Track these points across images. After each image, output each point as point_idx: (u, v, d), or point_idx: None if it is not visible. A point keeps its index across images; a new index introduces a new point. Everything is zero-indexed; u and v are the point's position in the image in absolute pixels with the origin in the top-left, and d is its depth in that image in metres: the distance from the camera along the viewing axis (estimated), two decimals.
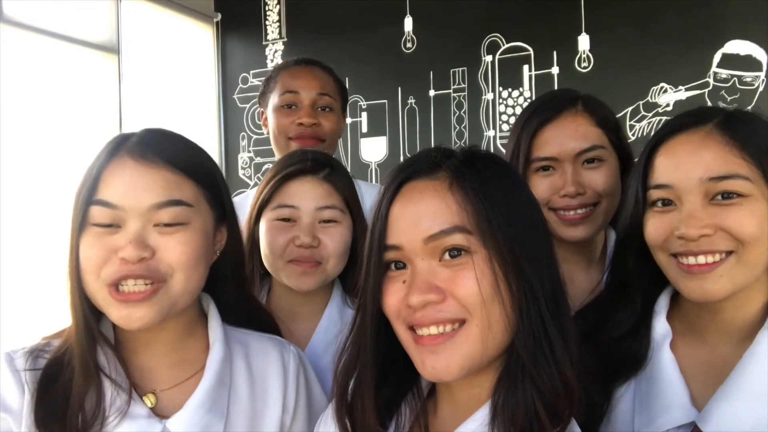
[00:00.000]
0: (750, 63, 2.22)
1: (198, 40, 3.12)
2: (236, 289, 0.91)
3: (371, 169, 2.86)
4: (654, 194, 0.81)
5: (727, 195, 0.76)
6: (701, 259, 0.77)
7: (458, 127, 2.69)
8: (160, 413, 0.78)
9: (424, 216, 0.65)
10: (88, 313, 0.77)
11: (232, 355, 0.85)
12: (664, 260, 0.81)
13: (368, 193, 1.32)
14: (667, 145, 0.82)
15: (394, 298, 0.66)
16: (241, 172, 3.15)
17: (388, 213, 0.67)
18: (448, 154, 0.69)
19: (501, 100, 2.61)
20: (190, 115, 3.05)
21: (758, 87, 2.21)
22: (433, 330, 0.65)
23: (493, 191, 0.66)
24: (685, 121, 0.82)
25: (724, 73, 2.26)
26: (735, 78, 2.24)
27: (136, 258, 0.73)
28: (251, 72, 3.12)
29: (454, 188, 0.65)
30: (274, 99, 1.54)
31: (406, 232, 0.66)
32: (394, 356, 0.70)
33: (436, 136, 2.72)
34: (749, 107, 2.21)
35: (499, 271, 0.64)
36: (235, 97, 3.16)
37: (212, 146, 3.16)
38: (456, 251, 0.64)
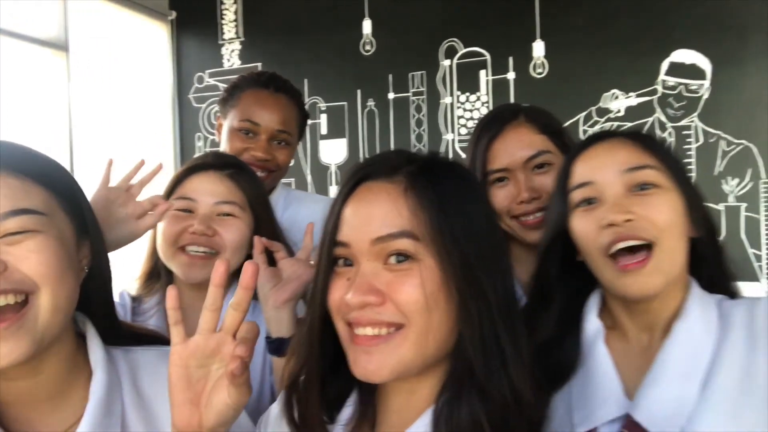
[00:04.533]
0: (695, 72, 2.32)
1: (152, 38, 3.05)
2: (108, 309, 0.83)
3: (331, 172, 2.86)
4: (577, 195, 0.87)
5: (644, 186, 0.84)
6: (630, 243, 0.81)
7: (417, 130, 2.71)
8: None
9: (375, 217, 0.65)
10: None
11: (120, 378, 0.77)
12: (600, 263, 0.85)
13: (305, 204, 1.31)
14: (583, 155, 0.89)
15: (337, 293, 0.66)
16: None
17: (341, 210, 0.68)
18: (410, 159, 0.69)
19: (459, 104, 2.64)
20: (143, 116, 2.98)
21: (702, 95, 2.31)
22: (369, 331, 0.64)
23: (449, 200, 0.65)
24: (595, 136, 0.91)
25: (671, 80, 2.35)
26: (682, 86, 2.33)
27: None
28: (207, 72, 3.06)
29: (409, 194, 0.65)
30: (233, 118, 1.50)
31: (356, 231, 0.66)
32: (343, 352, 0.69)
33: (395, 138, 2.74)
34: (695, 114, 2.32)
35: (446, 280, 0.64)
36: (190, 96, 3.10)
37: (167, 147, 3.10)
38: (402, 256, 0.64)
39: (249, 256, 1.12)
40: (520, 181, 1.14)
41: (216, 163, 1.13)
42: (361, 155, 2.78)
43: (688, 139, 2.34)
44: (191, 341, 0.67)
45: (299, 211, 1.52)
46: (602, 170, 0.85)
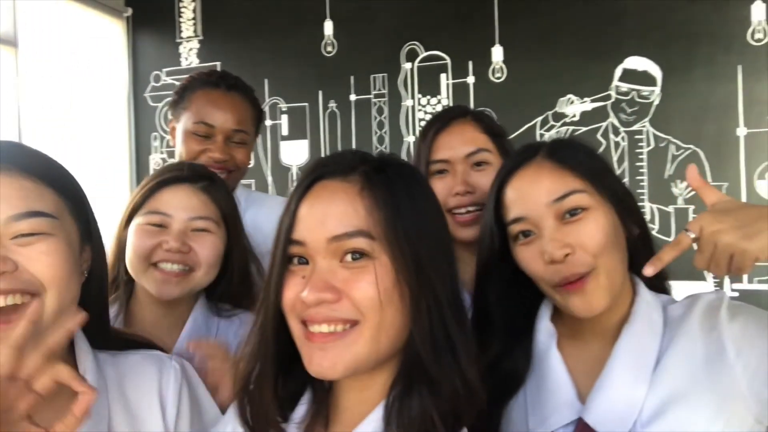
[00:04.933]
0: (647, 78, 2.41)
1: (106, 35, 2.97)
2: (102, 314, 0.83)
3: (292, 173, 2.84)
4: (514, 229, 0.90)
5: (573, 212, 0.86)
6: (575, 278, 0.85)
7: (379, 132, 2.72)
8: None
9: (331, 216, 0.66)
10: None
11: (106, 383, 0.78)
12: (548, 290, 0.89)
13: (266, 205, 1.33)
14: (510, 183, 0.91)
15: (291, 291, 0.67)
16: None
17: (297, 208, 0.68)
18: (363, 158, 0.71)
19: (420, 107, 2.67)
20: (97, 114, 2.90)
21: (654, 101, 2.40)
22: (324, 328, 0.65)
23: (402, 199, 0.67)
24: (517, 158, 0.93)
25: (624, 86, 2.43)
26: (634, 92, 2.42)
27: None
28: (164, 70, 3.00)
29: (365, 193, 0.66)
30: (186, 121, 1.46)
31: (312, 230, 0.66)
32: (296, 350, 0.70)
33: (357, 140, 2.74)
34: (646, 119, 2.40)
35: (400, 277, 0.65)
36: (146, 95, 3.04)
37: (122, 147, 3.02)
38: (357, 254, 0.65)
39: (222, 272, 1.10)
40: (458, 174, 1.20)
41: (189, 175, 1.09)
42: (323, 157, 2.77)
43: (640, 144, 2.42)
44: None
45: (259, 212, 1.50)
46: (531, 203, 0.88)
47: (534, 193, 0.88)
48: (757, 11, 2.28)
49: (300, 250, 0.67)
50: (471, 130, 1.23)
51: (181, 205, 1.07)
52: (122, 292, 1.12)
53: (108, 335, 0.84)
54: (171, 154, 3.00)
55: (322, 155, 2.85)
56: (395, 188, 0.68)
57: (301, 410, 0.74)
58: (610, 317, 0.89)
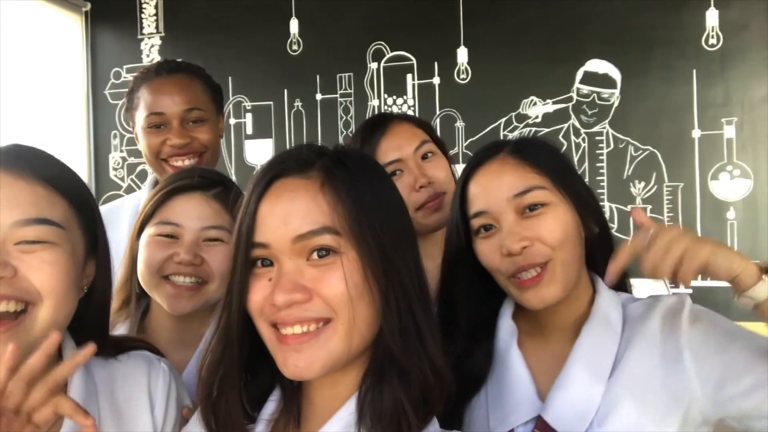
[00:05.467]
0: (607, 81, 2.47)
1: (64, 30, 2.88)
2: (102, 331, 0.81)
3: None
4: (475, 223, 0.92)
5: (533, 207, 0.88)
6: (532, 272, 0.87)
7: (345, 132, 2.72)
8: None
9: (294, 215, 0.64)
10: None
11: (96, 388, 0.77)
12: (504, 282, 0.91)
13: None
14: (474, 178, 0.93)
15: (259, 295, 0.66)
16: (112, 173, 2.95)
17: (256, 209, 0.66)
18: (320, 152, 0.69)
19: (386, 107, 2.67)
20: (54, 111, 2.81)
21: (613, 103, 2.46)
22: (297, 329, 0.64)
23: (364, 192, 0.66)
24: (483, 154, 0.94)
25: (585, 89, 2.48)
26: (594, 94, 2.48)
27: None
28: (125, 67, 2.93)
29: (326, 188, 0.65)
30: (139, 118, 1.42)
31: (275, 231, 0.65)
32: (262, 351, 0.69)
33: (323, 139, 2.72)
34: (606, 121, 2.46)
35: (368, 270, 0.65)
36: (106, 92, 2.96)
37: (80, 145, 2.93)
38: (324, 251, 0.64)
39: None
40: (413, 169, 1.24)
41: (201, 183, 1.04)
42: None
43: (600, 145, 2.48)
44: None
45: None
46: (493, 198, 0.89)
47: (496, 188, 0.89)
48: (711, 18, 2.36)
49: (264, 252, 0.66)
50: (410, 128, 1.29)
51: (193, 214, 1.02)
52: (134, 307, 1.07)
53: (105, 346, 0.81)
54: (131, 153, 2.93)
55: None
56: (356, 181, 0.67)
57: (270, 406, 0.73)
58: (569, 314, 0.91)
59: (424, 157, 1.26)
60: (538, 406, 0.87)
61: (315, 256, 0.65)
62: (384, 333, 0.66)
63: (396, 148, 1.25)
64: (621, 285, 0.97)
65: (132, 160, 2.94)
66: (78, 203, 0.74)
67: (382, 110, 2.68)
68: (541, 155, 0.92)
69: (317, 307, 0.64)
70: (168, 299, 1.01)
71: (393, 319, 0.66)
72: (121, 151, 2.95)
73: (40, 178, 0.70)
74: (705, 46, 2.37)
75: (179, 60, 1.49)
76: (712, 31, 2.36)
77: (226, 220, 1.04)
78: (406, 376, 0.66)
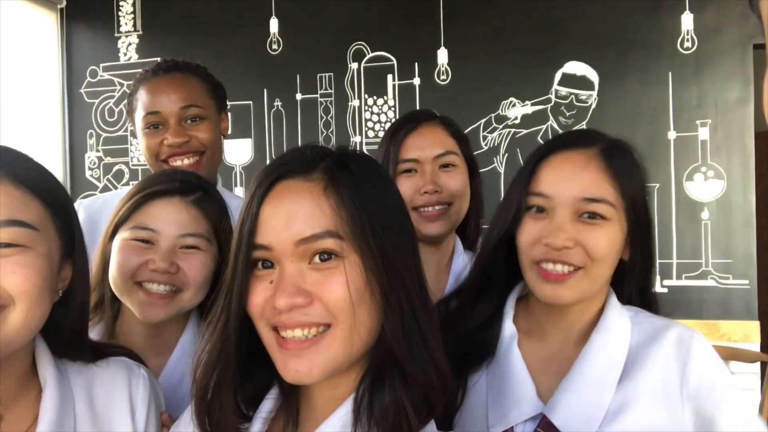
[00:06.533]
0: (585, 83, 2.50)
1: (38, 27, 2.83)
2: (81, 334, 0.80)
3: (236, 172, 2.79)
4: (532, 200, 0.90)
5: (592, 215, 0.87)
6: (558, 268, 0.87)
7: (325, 132, 2.71)
8: None
9: (297, 218, 0.64)
10: None
11: (73, 394, 0.76)
12: (527, 264, 0.90)
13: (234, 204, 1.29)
14: (553, 159, 0.91)
15: (259, 297, 0.65)
16: (88, 173, 2.91)
17: (259, 211, 0.66)
18: (323, 154, 0.69)
19: (367, 107, 2.67)
20: (29, 110, 2.76)
21: (591, 105, 2.49)
22: (298, 333, 0.64)
23: (367, 195, 0.66)
24: (571, 139, 0.93)
25: (563, 90, 2.51)
26: (572, 95, 2.50)
27: None
28: (101, 65, 2.89)
29: (329, 192, 0.65)
30: (138, 119, 1.40)
31: (278, 233, 0.64)
32: (258, 352, 0.69)
33: (303, 139, 2.72)
34: (584, 122, 2.49)
35: (370, 274, 0.64)
36: (82, 91, 2.92)
37: (55, 144, 2.89)
38: (326, 255, 0.64)
39: (211, 291, 1.01)
40: (427, 173, 1.24)
41: (181, 188, 1.01)
42: (267, 156, 2.74)
43: None
44: None
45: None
46: (563, 189, 0.88)
47: (569, 181, 0.88)
48: (686, 21, 2.41)
49: (265, 254, 0.65)
50: (440, 134, 1.28)
51: (171, 220, 0.99)
52: (108, 310, 1.04)
53: (83, 352, 0.80)
54: (108, 153, 2.89)
55: (267, 154, 2.80)
56: (359, 184, 0.66)
57: (268, 404, 0.73)
58: (575, 320, 0.92)
59: (444, 165, 1.26)
60: (540, 406, 0.87)
61: (317, 259, 0.64)
62: (386, 336, 0.66)
63: (418, 148, 1.25)
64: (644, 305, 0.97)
65: (108, 159, 2.90)
66: (54, 205, 0.72)
67: (363, 110, 2.68)
68: (628, 171, 0.89)
69: (318, 312, 0.63)
70: (140, 306, 0.99)
71: (396, 322, 0.65)
72: (97, 150, 2.91)
73: (14, 178, 0.68)
74: (680, 49, 2.41)
75: (178, 59, 1.47)
76: (687, 34, 2.40)
77: (204, 228, 1.01)
78: (409, 378, 0.65)
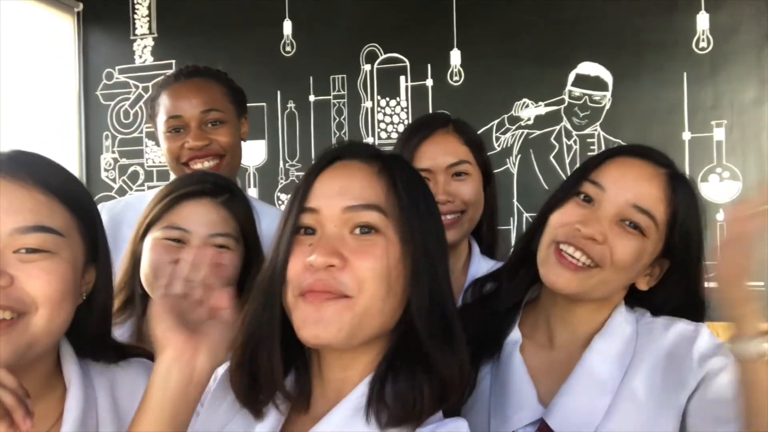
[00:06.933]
0: (598, 83, 2.48)
1: (56, 30, 2.87)
2: (104, 336, 0.82)
3: (249, 174, 2.81)
4: (586, 186, 0.91)
5: (634, 225, 0.87)
6: (577, 255, 0.87)
7: (338, 133, 2.72)
8: None
9: (348, 188, 0.68)
10: None
11: (96, 394, 0.77)
12: (547, 241, 0.91)
13: (264, 214, 1.32)
14: (624, 160, 0.91)
15: (298, 260, 0.67)
16: (104, 174, 2.94)
17: (314, 179, 0.70)
18: (379, 151, 0.75)
19: (379, 109, 2.68)
20: (46, 112, 2.80)
21: (605, 105, 2.48)
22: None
23: (413, 187, 0.71)
24: (647, 152, 0.92)
25: (577, 91, 2.50)
26: (586, 96, 2.49)
27: None
28: (117, 67, 2.92)
29: (382, 175, 0.69)
30: (160, 123, 1.44)
31: (328, 198, 0.68)
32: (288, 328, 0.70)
33: (316, 141, 2.73)
34: (597, 123, 2.48)
35: (407, 256, 0.67)
36: (98, 93, 2.95)
37: (71, 146, 2.92)
38: (367, 228, 0.67)
39: (240, 289, 1.03)
40: (440, 183, 1.23)
41: (210, 189, 1.06)
42: (280, 158, 2.76)
43: (592, 147, 2.49)
44: None
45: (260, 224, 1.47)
46: (619, 187, 0.88)
47: (630, 185, 0.88)
48: (701, 21, 2.39)
49: (312, 218, 0.68)
50: (453, 142, 1.26)
51: (201, 220, 1.03)
52: (138, 312, 1.07)
53: (106, 352, 0.82)
54: (123, 154, 2.92)
55: (280, 156, 2.80)
56: (408, 176, 0.72)
57: (288, 382, 0.74)
58: (582, 323, 0.92)
59: (457, 174, 1.25)
60: (540, 410, 0.88)
61: (358, 231, 0.67)
62: (412, 319, 0.68)
63: (431, 158, 1.24)
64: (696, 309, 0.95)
65: (123, 161, 2.93)
66: (79, 210, 0.74)
67: (375, 112, 2.69)
68: (683, 197, 0.89)
69: (346, 279, 0.65)
70: None
71: (424, 306, 0.68)
72: (113, 152, 2.94)
73: (40, 184, 0.70)
74: (695, 50, 2.39)
75: (199, 65, 1.50)
76: (703, 34, 2.38)
77: (232, 228, 1.05)
78: (432, 368, 0.67)
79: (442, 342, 0.68)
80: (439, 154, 1.24)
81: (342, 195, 0.68)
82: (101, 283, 0.79)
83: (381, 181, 0.69)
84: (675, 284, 0.92)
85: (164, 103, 1.43)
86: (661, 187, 0.88)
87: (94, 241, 0.77)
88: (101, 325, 0.81)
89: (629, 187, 0.88)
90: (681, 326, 0.89)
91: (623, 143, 2.45)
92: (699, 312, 0.94)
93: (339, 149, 0.73)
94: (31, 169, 0.71)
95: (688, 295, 0.93)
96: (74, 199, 0.74)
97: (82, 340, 0.78)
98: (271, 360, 0.70)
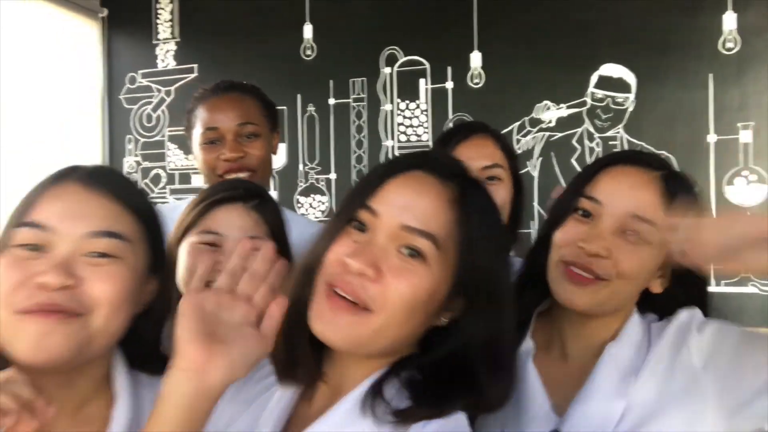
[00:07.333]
0: (621, 85, 2.45)
1: (81, 36, 2.92)
2: (155, 346, 0.83)
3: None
4: (582, 202, 0.90)
5: (636, 235, 0.86)
6: (585, 274, 0.86)
7: (358, 137, 2.72)
8: None
9: (415, 206, 0.66)
10: None
11: (141, 405, 0.78)
12: (554, 261, 0.90)
13: (294, 222, 1.31)
14: (616, 170, 0.90)
15: (339, 249, 0.67)
16: None
17: (384, 181, 0.68)
18: (464, 170, 0.73)
19: (399, 112, 2.68)
20: (70, 115, 2.84)
21: (628, 107, 2.45)
22: (348, 298, 0.65)
23: (483, 222, 0.69)
24: (639, 157, 0.93)
25: (599, 93, 2.47)
26: (609, 98, 2.46)
27: (57, 284, 0.66)
28: (140, 72, 2.97)
29: (454, 205, 0.67)
30: (196, 135, 1.49)
31: (391, 207, 0.67)
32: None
33: (336, 144, 2.74)
34: (620, 125, 2.44)
35: (450, 295, 0.67)
36: (121, 97, 2.99)
37: (95, 149, 2.97)
38: (415, 252, 0.66)
39: None
40: None
41: (242, 194, 1.11)
42: (300, 160, 2.77)
43: (614, 149, 2.46)
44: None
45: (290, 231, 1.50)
46: (616, 199, 0.88)
47: (626, 194, 0.88)
48: (728, 21, 2.34)
49: (369, 218, 0.67)
50: (490, 146, 1.31)
51: (235, 225, 1.07)
52: (174, 312, 1.10)
53: (157, 364, 0.83)
54: (146, 157, 2.96)
55: (300, 159, 2.82)
56: (482, 212, 0.70)
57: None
58: (595, 334, 0.92)
59: (490, 178, 1.28)
60: (555, 420, 0.87)
61: (406, 251, 0.66)
62: (467, 341, 0.68)
63: (467, 158, 1.23)
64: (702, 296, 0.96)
65: (146, 164, 2.96)
66: (146, 220, 0.78)
67: (395, 115, 2.68)
68: (683, 197, 0.88)
69: (374, 293, 0.64)
70: None
71: (477, 345, 0.68)
72: (136, 155, 2.98)
73: (111, 193, 0.74)
74: (722, 50, 2.34)
75: (235, 80, 1.55)
76: (730, 35, 2.34)
77: (263, 231, 1.09)
78: (471, 386, 0.67)
79: (487, 368, 0.68)
80: (475, 156, 1.26)
81: (406, 211, 0.66)
82: (161, 294, 0.81)
83: (450, 212, 0.67)
84: (687, 283, 0.92)
85: (201, 115, 1.48)
86: (658, 192, 0.87)
87: (158, 252, 0.80)
88: (154, 336, 0.83)
89: (625, 197, 0.87)
90: (680, 316, 0.90)
91: (646, 145, 2.41)
92: (703, 305, 0.94)
93: (422, 158, 0.72)
94: (104, 179, 0.75)
95: (694, 290, 0.93)
96: (142, 208, 0.78)
97: (135, 351, 0.80)
98: (302, 339, 0.70)
